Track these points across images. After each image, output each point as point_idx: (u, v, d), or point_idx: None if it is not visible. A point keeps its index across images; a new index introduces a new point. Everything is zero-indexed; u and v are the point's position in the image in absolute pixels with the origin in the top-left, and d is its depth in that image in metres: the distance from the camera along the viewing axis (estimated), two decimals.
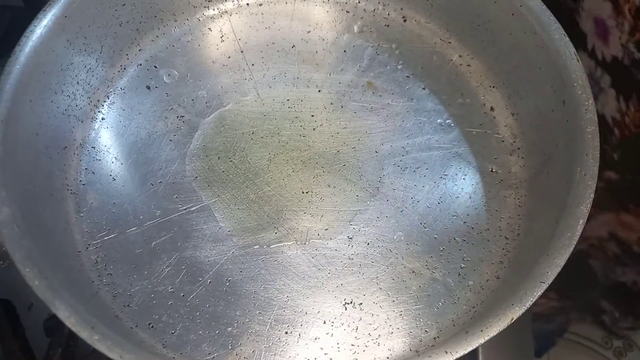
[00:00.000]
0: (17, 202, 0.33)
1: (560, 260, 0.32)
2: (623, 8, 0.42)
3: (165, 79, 0.45)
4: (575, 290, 0.61)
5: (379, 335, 0.36)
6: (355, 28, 0.47)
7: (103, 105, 0.43)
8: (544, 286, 0.31)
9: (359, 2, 0.48)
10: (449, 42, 0.47)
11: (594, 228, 0.55)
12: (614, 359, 0.74)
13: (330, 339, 0.36)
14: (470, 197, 0.41)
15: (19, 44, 0.37)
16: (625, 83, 0.45)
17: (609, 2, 0.42)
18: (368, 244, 0.39)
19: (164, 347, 0.35)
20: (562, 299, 0.61)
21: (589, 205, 0.33)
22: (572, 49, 0.38)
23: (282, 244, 0.39)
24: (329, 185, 0.41)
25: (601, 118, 0.48)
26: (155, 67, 0.45)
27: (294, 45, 0.46)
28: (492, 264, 0.38)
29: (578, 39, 0.42)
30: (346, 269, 0.38)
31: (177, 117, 0.43)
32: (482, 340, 0.30)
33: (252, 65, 0.46)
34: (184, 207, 0.40)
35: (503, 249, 0.39)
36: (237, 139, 0.43)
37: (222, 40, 0.47)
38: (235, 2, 0.48)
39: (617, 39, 0.44)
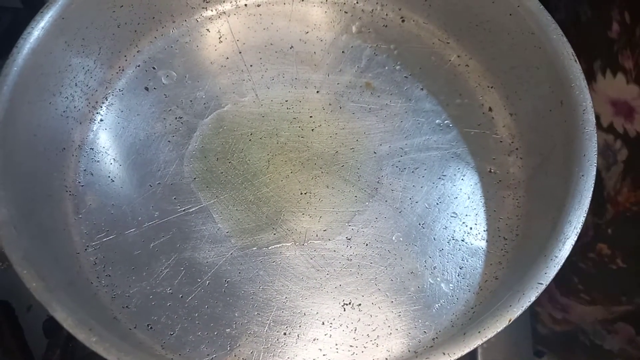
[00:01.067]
0: (15, 203, 0.33)
1: (558, 262, 0.32)
2: None
3: (163, 80, 0.45)
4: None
5: (378, 336, 0.36)
6: (354, 29, 0.47)
7: (101, 107, 0.43)
8: (542, 287, 0.31)
9: (357, 2, 0.48)
10: (447, 43, 0.47)
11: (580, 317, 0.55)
12: None
13: (329, 340, 0.36)
14: (468, 198, 0.41)
15: (17, 46, 0.37)
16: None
17: (634, 85, 0.41)
18: (366, 244, 0.39)
19: (162, 348, 0.35)
20: None
21: (587, 206, 0.33)
22: (570, 50, 0.38)
23: (280, 245, 0.39)
24: (327, 186, 0.41)
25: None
26: (154, 68, 0.45)
27: (292, 46, 0.46)
28: (491, 264, 0.38)
29: None
30: (345, 270, 0.38)
31: (176, 118, 0.43)
32: (480, 342, 0.30)
33: (250, 66, 0.46)
34: (183, 209, 0.40)
35: (501, 249, 0.39)
36: (235, 140, 0.43)
37: (220, 41, 0.47)
38: (233, 3, 0.48)
39: None
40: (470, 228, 0.39)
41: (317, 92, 0.45)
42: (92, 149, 0.42)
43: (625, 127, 0.42)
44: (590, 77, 0.42)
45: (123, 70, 0.45)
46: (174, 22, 0.47)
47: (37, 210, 0.36)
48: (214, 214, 0.40)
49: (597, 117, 0.42)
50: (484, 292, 0.37)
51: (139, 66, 0.45)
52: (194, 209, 0.40)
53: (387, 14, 0.48)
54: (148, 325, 0.36)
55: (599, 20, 0.39)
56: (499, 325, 0.31)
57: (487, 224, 0.40)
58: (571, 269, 0.47)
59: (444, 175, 0.41)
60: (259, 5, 0.48)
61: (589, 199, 0.34)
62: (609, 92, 0.42)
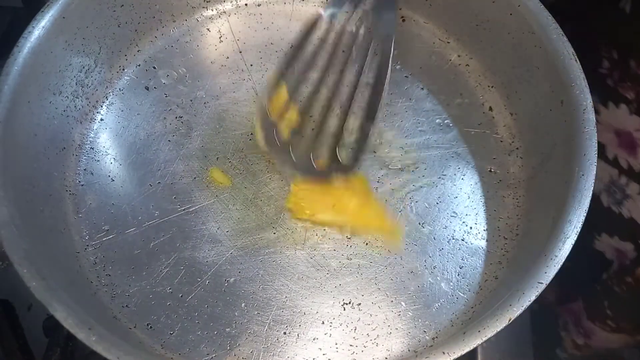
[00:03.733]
0: (15, 202, 0.33)
1: (558, 261, 0.32)
2: None
3: (163, 79, 0.45)
4: None
5: (378, 335, 0.36)
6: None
7: (102, 106, 0.43)
8: (542, 287, 0.31)
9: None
10: (448, 42, 0.47)
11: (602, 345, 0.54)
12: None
13: (329, 340, 0.36)
14: (468, 197, 0.41)
15: (17, 45, 0.37)
16: None
17: (636, 117, 0.42)
18: (367, 244, 0.39)
19: (162, 348, 0.35)
20: None
21: (587, 206, 0.33)
22: (571, 49, 0.38)
23: (280, 245, 0.39)
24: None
25: (630, 221, 0.46)
26: (154, 67, 0.45)
27: (292, 46, 0.46)
28: (491, 264, 0.38)
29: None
30: (345, 269, 0.38)
31: (176, 117, 0.43)
32: (479, 341, 0.30)
33: (251, 65, 0.46)
34: (183, 208, 0.40)
35: (501, 249, 0.39)
36: (235, 140, 0.43)
37: (221, 41, 0.47)
38: (234, 2, 0.48)
39: None
40: (470, 227, 0.39)
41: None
42: (93, 148, 0.42)
43: (628, 161, 0.43)
44: (596, 112, 0.43)
45: (123, 69, 0.45)
46: (174, 21, 0.47)
47: (38, 210, 0.36)
48: (213, 214, 0.40)
49: (603, 148, 0.43)
50: (483, 291, 0.37)
51: (139, 65, 0.45)
52: (193, 209, 0.40)
53: None
54: (148, 325, 0.36)
55: (589, 60, 0.40)
56: (499, 324, 0.31)
57: (487, 223, 0.40)
58: (604, 292, 0.47)
59: (444, 175, 0.41)
60: (259, 5, 0.48)
61: (589, 198, 0.34)
62: (613, 122, 0.43)
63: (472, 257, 0.38)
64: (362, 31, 0.42)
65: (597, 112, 0.40)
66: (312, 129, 0.40)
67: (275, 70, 0.40)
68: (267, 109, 0.39)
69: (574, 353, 0.56)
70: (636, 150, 0.42)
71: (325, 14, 0.42)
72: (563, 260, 0.32)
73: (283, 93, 0.40)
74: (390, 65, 0.40)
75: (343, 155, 0.39)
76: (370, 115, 0.39)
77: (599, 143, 0.35)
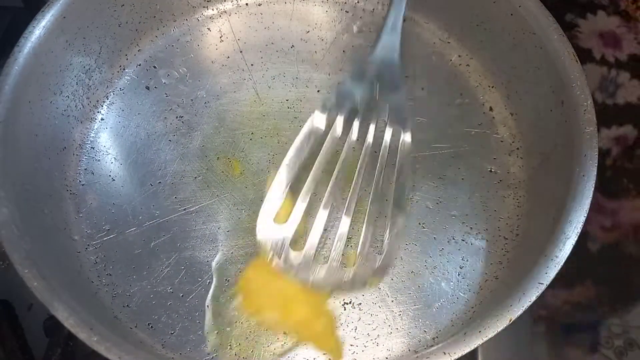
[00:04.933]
0: (16, 202, 0.34)
1: (558, 261, 0.32)
2: (634, 14, 0.46)
3: (164, 79, 0.45)
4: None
5: (378, 335, 0.36)
6: (355, 28, 0.47)
7: (102, 106, 0.43)
8: (543, 287, 0.31)
9: (358, 2, 0.48)
10: (448, 42, 0.47)
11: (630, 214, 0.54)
12: (615, 359, 0.74)
13: None
14: (469, 198, 0.41)
15: (18, 45, 0.37)
16: None
17: (616, 16, 0.45)
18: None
19: (163, 348, 0.35)
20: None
21: (588, 206, 0.33)
22: (571, 49, 0.38)
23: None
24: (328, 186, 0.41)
25: (626, 106, 0.49)
26: (155, 67, 0.45)
27: (293, 46, 0.46)
28: (491, 264, 0.38)
29: (582, 55, 0.43)
30: (345, 268, 0.38)
31: (176, 117, 0.43)
32: (480, 341, 0.30)
33: (251, 65, 0.46)
34: (183, 208, 0.40)
35: (502, 249, 0.39)
36: (236, 139, 0.43)
37: (221, 41, 0.47)
38: (234, 2, 0.48)
39: (632, 39, 0.47)
40: (471, 228, 0.39)
41: (318, 91, 0.45)
42: (93, 148, 0.42)
43: (615, 56, 0.45)
44: (574, 26, 0.47)
45: (124, 69, 0.45)
46: (175, 21, 0.47)
47: (38, 210, 0.36)
48: (214, 213, 0.40)
49: (589, 52, 0.46)
50: (484, 291, 0.37)
51: (139, 65, 0.45)
52: (194, 208, 0.40)
53: None
54: (149, 325, 0.36)
55: None
56: (499, 324, 0.31)
57: (487, 223, 0.40)
58: (617, 172, 0.48)
59: (445, 175, 0.41)
60: (260, 5, 0.48)
61: (590, 198, 0.34)
62: (594, 28, 0.46)
63: (472, 257, 0.38)
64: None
65: (577, 26, 0.44)
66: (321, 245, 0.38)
67: (280, 180, 0.39)
68: (273, 217, 0.38)
69: (605, 238, 0.56)
70: (621, 43, 0.46)
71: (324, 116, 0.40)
72: (564, 260, 0.32)
73: (288, 202, 0.38)
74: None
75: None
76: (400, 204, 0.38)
77: (584, 49, 0.37)
